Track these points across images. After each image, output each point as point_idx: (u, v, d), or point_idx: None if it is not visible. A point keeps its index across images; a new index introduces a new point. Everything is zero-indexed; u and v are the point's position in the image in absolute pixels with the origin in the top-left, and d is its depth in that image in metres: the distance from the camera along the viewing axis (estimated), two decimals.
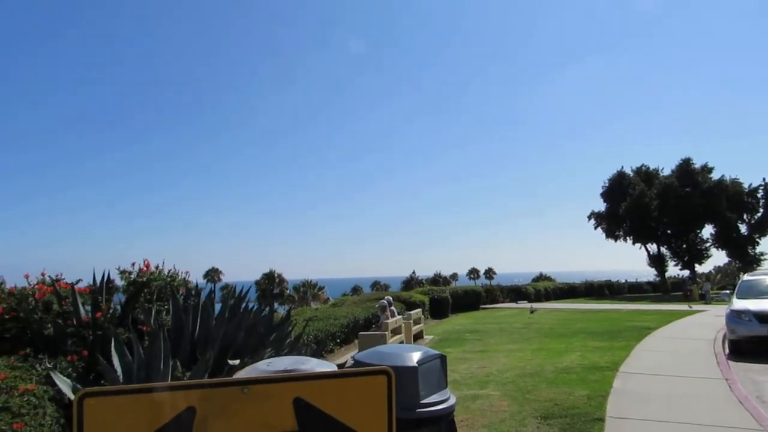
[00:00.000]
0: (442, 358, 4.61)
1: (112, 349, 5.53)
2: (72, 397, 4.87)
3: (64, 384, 4.97)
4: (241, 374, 3.20)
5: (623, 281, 60.17)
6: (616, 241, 58.59)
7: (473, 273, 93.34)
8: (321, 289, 57.50)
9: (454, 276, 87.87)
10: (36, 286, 6.61)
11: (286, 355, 6.26)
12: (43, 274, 6.92)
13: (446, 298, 28.26)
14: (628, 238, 57.52)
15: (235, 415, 1.81)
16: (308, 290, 56.98)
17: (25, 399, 4.32)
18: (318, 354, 7.15)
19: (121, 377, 5.35)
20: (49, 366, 5.21)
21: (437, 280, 73.64)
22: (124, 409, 1.73)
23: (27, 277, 6.72)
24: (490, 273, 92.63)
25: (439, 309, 27.09)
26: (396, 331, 15.62)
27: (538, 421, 7.47)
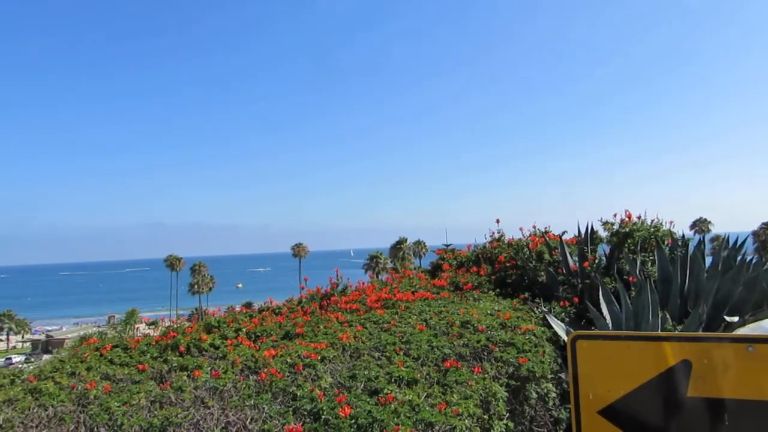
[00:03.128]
0: None
1: (600, 297, 5.74)
2: (565, 338, 5.28)
3: (558, 327, 5.42)
4: (742, 332, 2.87)
5: None
6: None
7: None
8: None
9: None
10: (529, 238, 7.43)
11: None
12: (533, 227, 7.69)
13: None
14: None
15: (736, 375, 1.65)
16: None
17: (527, 337, 4.86)
18: None
19: (610, 325, 5.50)
20: (544, 310, 5.77)
21: None
22: (614, 353, 1.77)
23: (521, 229, 7.61)
24: None
25: None
26: None
27: None
